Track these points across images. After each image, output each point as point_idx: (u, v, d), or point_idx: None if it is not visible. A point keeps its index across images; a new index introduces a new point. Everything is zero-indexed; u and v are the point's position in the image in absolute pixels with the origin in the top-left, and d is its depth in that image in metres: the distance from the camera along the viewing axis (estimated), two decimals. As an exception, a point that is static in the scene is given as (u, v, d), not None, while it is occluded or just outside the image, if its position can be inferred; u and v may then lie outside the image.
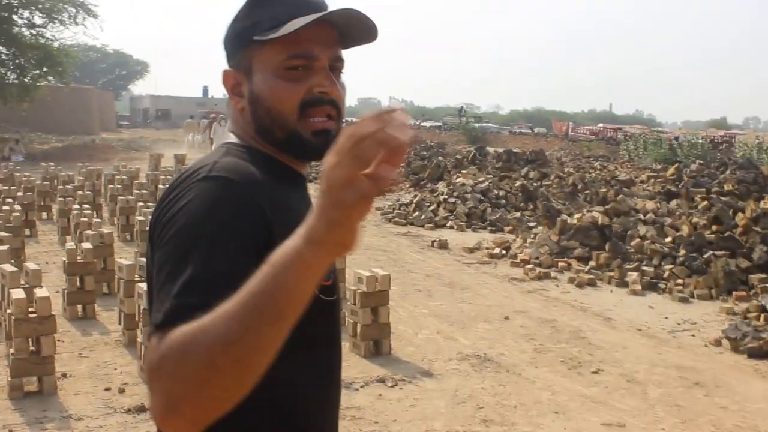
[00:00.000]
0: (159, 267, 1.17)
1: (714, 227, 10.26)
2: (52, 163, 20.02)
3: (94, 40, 36.81)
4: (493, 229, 13.70)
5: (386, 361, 6.24)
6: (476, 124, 56.43)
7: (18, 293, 5.38)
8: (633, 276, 9.36)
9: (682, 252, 9.61)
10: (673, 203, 11.90)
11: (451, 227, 13.82)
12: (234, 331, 0.93)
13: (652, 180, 15.76)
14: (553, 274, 9.85)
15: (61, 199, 12.08)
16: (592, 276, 9.53)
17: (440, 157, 22.45)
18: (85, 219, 9.32)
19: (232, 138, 1.42)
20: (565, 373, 6.07)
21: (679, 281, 9.11)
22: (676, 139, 35.00)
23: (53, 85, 35.44)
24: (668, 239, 10.26)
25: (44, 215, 13.82)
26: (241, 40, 1.37)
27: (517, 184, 16.49)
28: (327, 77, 1.35)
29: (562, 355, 6.52)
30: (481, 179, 15.98)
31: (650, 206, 11.27)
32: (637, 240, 10.25)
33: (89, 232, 8.22)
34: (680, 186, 12.84)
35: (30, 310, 5.24)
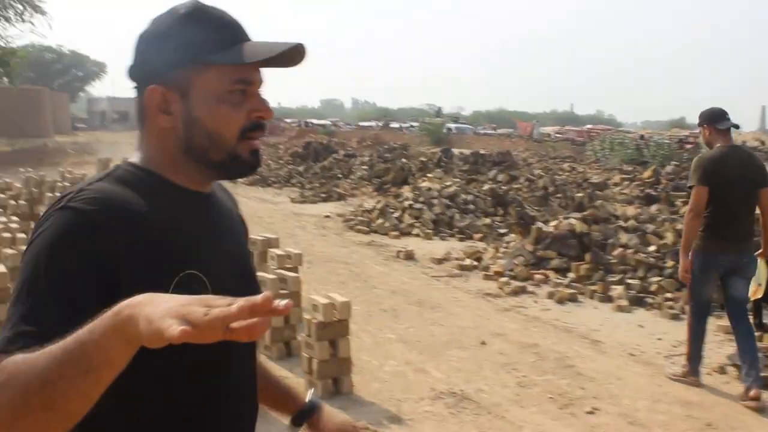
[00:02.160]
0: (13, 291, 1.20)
1: (701, 235, 9.53)
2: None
3: (42, 38, 35.42)
4: (462, 236, 12.86)
5: (348, 402, 5.33)
6: (453, 125, 56.19)
7: None
8: (617, 290, 8.58)
9: (670, 263, 8.85)
10: (654, 208, 11.17)
11: (417, 235, 12.95)
12: (49, 373, 0.98)
13: (627, 182, 15.06)
14: (530, 288, 9.03)
15: (-9, 209, 10.93)
16: (573, 290, 8.72)
17: (404, 160, 21.61)
18: (9, 235, 8.21)
19: (137, 156, 1.41)
20: (555, 414, 5.22)
21: (668, 295, 8.34)
22: (642, 138, 34.65)
23: (2, 87, 34.01)
24: (652, 248, 9.50)
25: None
26: (177, 57, 1.32)
27: (486, 187, 15.70)
28: (263, 102, 1.38)
29: (550, 389, 5.68)
30: (447, 183, 15.13)
31: (631, 212, 10.51)
32: (619, 249, 9.47)
33: (8, 251, 7.19)
34: (659, 189, 12.14)
35: None
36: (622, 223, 10.23)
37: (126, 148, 32.65)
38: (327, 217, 15.19)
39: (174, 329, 0.86)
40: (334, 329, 5.42)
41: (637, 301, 8.34)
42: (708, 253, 5.52)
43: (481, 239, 12.53)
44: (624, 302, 8.24)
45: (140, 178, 1.34)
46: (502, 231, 12.67)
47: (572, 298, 8.57)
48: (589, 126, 59.78)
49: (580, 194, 12.49)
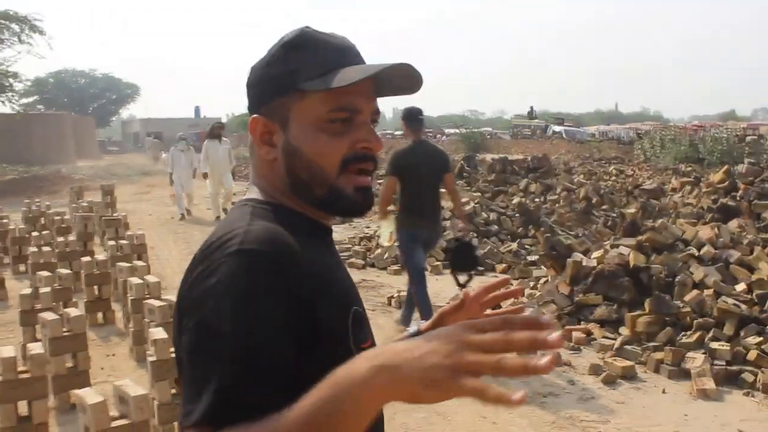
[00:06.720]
0: (189, 353, 1.05)
1: (813, 266, 6.59)
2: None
3: (40, 58, 34.29)
4: (481, 269, 10.04)
5: None
6: (558, 127, 50.81)
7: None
8: (697, 359, 5.68)
9: (774, 314, 5.92)
10: (734, 224, 8.21)
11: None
12: None
13: (689, 187, 12.05)
14: (564, 356, 6.19)
15: None
16: (627, 362, 5.85)
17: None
18: None
19: (255, 191, 1.31)
20: None
21: (778, 369, 5.43)
22: (696, 130, 31.53)
23: (19, 113, 32.21)
24: (741, 287, 6.58)
25: None
26: (278, 86, 1.25)
27: (515, 201, 12.85)
28: (371, 132, 1.27)
29: None
30: (464, 200, 12.26)
31: (705, 234, 7.55)
32: (693, 292, 6.56)
33: None
34: (738, 198, 9.14)
35: None
36: (693, 250, 7.28)
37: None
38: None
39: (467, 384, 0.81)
40: None
41: (730, 379, 5.46)
42: (408, 230, 6.47)
43: (504, 270, 9.74)
44: (708, 383, 5.35)
45: (280, 213, 1.23)
46: (532, 258, 9.85)
47: (627, 374, 5.71)
48: (651, 123, 55.48)
49: (632, 210, 9.57)
